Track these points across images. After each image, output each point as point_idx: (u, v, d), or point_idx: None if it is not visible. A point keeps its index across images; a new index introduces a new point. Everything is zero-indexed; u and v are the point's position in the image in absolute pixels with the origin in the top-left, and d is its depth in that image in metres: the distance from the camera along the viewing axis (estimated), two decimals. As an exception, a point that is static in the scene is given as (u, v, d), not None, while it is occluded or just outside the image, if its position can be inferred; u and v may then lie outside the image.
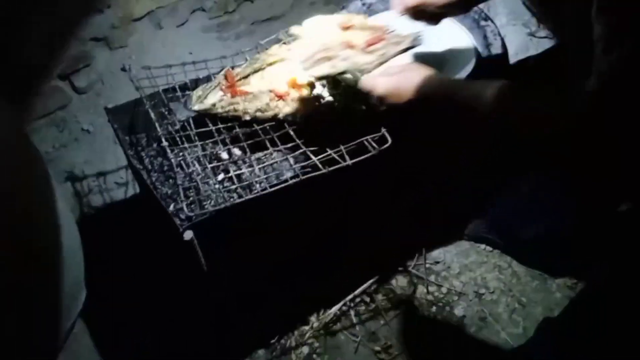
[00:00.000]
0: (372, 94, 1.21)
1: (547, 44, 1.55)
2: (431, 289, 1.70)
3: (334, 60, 1.22)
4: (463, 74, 1.33)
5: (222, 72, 1.35)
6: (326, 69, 1.21)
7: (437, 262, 1.75)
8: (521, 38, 1.50)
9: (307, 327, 1.61)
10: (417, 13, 1.25)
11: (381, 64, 1.24)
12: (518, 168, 1.67)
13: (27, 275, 1.18)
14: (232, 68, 1.38)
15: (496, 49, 1.39)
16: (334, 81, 1.36)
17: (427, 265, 1.74)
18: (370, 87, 1.20)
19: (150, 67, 1.36)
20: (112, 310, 1.59)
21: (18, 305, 1.16)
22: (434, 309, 1.66)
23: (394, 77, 1.18)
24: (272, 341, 1.59)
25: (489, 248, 1.78)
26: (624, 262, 1.26)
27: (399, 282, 1.71)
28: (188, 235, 1.09)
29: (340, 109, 1.30)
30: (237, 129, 1.28)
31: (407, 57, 1.34)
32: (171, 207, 1.21)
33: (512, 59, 1.42)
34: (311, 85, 1.35)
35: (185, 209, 1.12)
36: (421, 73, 1.15)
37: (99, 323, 1.58)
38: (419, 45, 1.28)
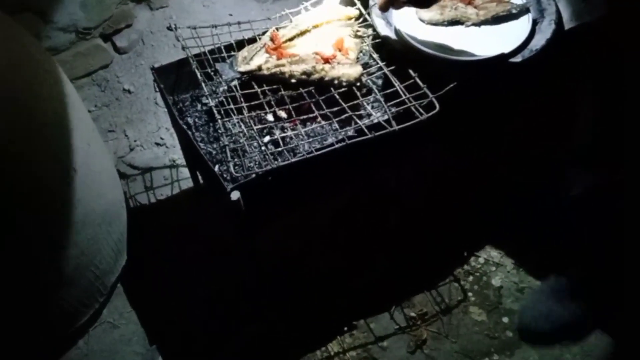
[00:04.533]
0: None
1: (602, 10, 1.49)
2: (468, 258, 1.69)
3: (444, 8, 1.37)
4: (521, 35, 1.31)
5: (268, 34, 1.34)
6: (435, 15, 1.37)
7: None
8: (575, 4, 1.44)
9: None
10: None
11: (485, 17, 1.36)
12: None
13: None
14: (277, 29, 1.36)
15: (550, 14, 1.34)
16: (379, 46, 1.35)
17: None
18: None
19: (195, 26, 1.35)
20: (150, 276, 1.64)
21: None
22: (470, 278, 1.65)
23: None
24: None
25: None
26: None
27: (436, 252, 1.70)
28: (235, 195, 1.10)
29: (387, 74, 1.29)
30: (283, 92, 1.27)
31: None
32: (217, 168, 1.23)
33: (567, 24, 1.37)
34: (357, 36, 1.34)
35: (232, 169, 1.12)
36: None
37: (138, 288, 1.63)
38: (524, 14, 1.36)
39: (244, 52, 1.31)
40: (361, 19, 1.40)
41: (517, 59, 1.27)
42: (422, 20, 1.38)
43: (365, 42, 1.37)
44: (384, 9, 1.25)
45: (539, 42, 1.29)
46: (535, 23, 1.35)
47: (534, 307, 1.56)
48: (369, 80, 1.31)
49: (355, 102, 1.25)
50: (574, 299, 1.52)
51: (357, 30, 1.36)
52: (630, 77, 1.25)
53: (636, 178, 1.36)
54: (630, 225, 1.42)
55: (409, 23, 1.36)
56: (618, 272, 1.53)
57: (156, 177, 1.84)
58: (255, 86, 1.28)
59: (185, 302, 1.58)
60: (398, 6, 1.23)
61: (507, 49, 1.27)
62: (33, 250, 1.24)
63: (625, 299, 1.52)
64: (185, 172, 1.82)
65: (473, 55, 1.27)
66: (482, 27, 1.36)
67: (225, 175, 1.19)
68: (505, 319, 1.58)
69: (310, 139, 1.24)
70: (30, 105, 1.11)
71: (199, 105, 1.37)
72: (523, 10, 1.36)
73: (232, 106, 1.23)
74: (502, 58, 1.26)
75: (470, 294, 1.63)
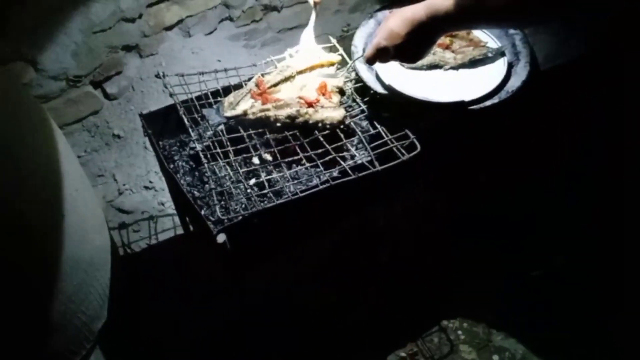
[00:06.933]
0: (376, 52, 1.23)
1: (577, 51, 1.55)
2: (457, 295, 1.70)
3: None
4: (497, 76, 1.36)
5: (253, 80, 1.38)
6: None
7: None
8: (550, 46, 1.50)
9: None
10: None
11: (462, 61, 1.40)
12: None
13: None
14: (263, 75, 1.41)
15: (525, 57, 1.39)
16: (361, 90, 1.39)
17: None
18: (372, 47, 1.24)
19: (183, 74, 1.39)
20: (139, 321, 1.62)
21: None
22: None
23: (381, 26, 1.23)
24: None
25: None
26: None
27: (425, 289, 1.71)
28: (221, 238, 1.11)
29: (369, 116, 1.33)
30: (268, 135, 1.30)
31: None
32: (203, 211, 1.24)
33: (542, 66, 1.42)
34: (340, 91, 1.38)
35: (218, 212, 1.14)
36: (401, 11, 1.18)
37: (122, 343, 1.59)
38: (500, 57, 1.41)
39: (230, 98, 1.34)
40: (344, 64, 1.45)
41: (494, 100, 1.31)
42: (402, 65, 1.43)
43: (348, 86, 1.41)
44: (371, 63, 1.28)
45: (514, 83, 1.34)
46: (510, 66, 1.40)
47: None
48: (352, 123, 1.34)
49: (339, 144, 1.28)
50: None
51: (340, 75, 1.41)
52: (630, 78, 1.29)
53: (636, 182, 1.40)
54: (630, 230, 1.46)
55: (390, 67, 1.41)
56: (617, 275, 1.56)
57: (145, 220, 1.85)
58: (241, 130, 1.31)
59: (171, 346, 1.56)
60: (384, 61, 1.27)
61: (483, 91, 1.31)
62: (20, 297, 1.24)
63: (625, 300, 1.54)
64: (173, 214, 1.84)
65: (451, 97, 1.32)
66: (460, 70, 1.41)
67: (211, 218, 1.21)
68: (495, 357, 1.58)
69: (296, 181, 1.27)
70: (19, 153, 1.12)
71: (186, 150, 1.40)
72: (499, 54, 1.42)
73: (218, 150, 1.26)
74: (479, 101, 1.30)
75: (459, 332, 1.63)
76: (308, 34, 1.43)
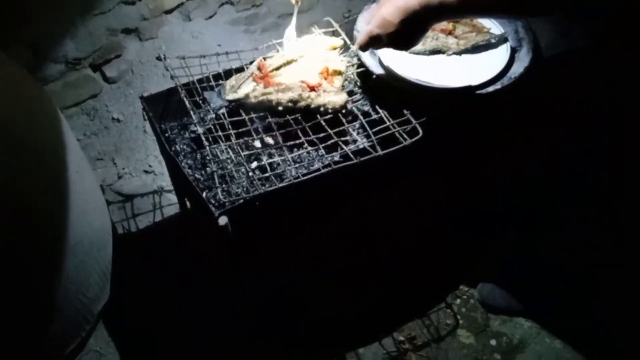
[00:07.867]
0: (369, 39, 1.22)
1: (578, 42, 1.55)
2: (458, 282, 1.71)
3: (426, 38, 1.39)
4: (500, 62, 1.35)
5: (255, 63, 1.37)
6: (417, 45, 1.31)
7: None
8: (551, 34, 1.50)
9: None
10: None
11: (464, 47, 1.41)
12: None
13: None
14: (265, 59, 1.40)
15: (528, 43, 1.39)
16: (364, 74, 1.39)
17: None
18: (365, 35, 1.23)
19: (184, 56, 1.38)
20: (136, 303, 1.62)
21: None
22: (458, 301, 1.67)
23: (373, 13, 1.22)
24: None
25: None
26: None
27: (425, 276, 1.72)
28: (223, 220, 1.11)
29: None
30: (270, 119, 1.30)
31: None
32: (205, 194, 1.24)
33: (544, 52, 1.42)
34: (339, 73, 1.37)
35: (219, 195, 1.14)
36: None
37: (121, 325, 1.60)
38: (502, 43, 1.41)
39: (232, 81, 1.33)
40: (346, 49, 1.44)
41: (497, 85, 1.31)
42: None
43: (350, 71, 1.41)
44: (364, 49, 1.29)
45: (517, 70, 1.34)
46: (514, 51, 1.40)
47: (495, 285, 1.66)
48: (354, 107, 1.34)
49: (341, 128, 1.28)
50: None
51: (342, 60, 1.40)
52: (630, 78, 1.29)
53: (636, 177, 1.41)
54: (630, 230, 1.50)
55: (392, 53, 1.40)
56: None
57: (144, 204, 1.85)
58: (243, 114, 1.30)
59: (171, 329, 1.57)
60: (377, 47, 1.27)
61: (486, 77, 1.31)
62: (23, 278, 1.24)
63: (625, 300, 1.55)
64: (172, 198, 1.84)
65: (454, 82, 1.32)
66: (463, 55, 1.41)
67: (213, 201, 1.21)
68: (493, 342, 1.59)
69: (297, 165, 1.27)
70: (22, 135, 1.12)
71: (188, 133, 1.40)
72: (501, 40, 1.42)
73: (220, 133, 1.26)
74: (481, 87, 1.30)
75: (458, 316, 1.64)
76: (291, 31, 1.42)
